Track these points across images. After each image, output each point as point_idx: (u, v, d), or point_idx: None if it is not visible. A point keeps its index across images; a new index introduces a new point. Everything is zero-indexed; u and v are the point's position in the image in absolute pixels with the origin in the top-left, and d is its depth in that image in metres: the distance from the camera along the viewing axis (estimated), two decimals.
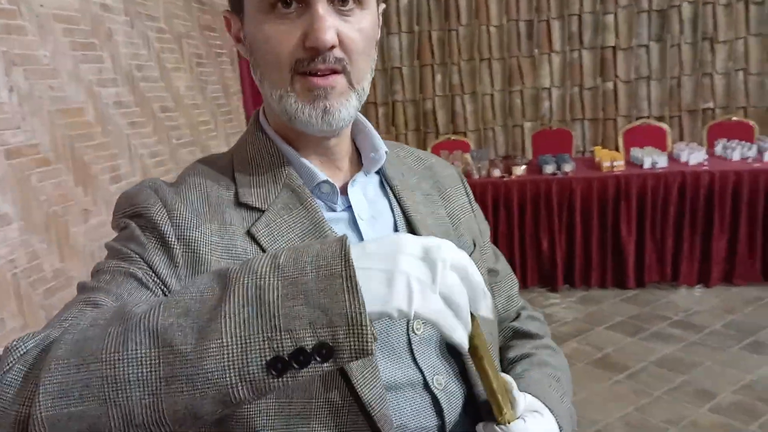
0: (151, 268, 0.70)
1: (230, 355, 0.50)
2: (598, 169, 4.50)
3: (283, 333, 0.50)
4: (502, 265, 1.01)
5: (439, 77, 6.16)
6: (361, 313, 0.50)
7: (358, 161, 0.86)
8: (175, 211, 0.74)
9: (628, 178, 4.30)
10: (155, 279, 0.70)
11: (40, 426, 0.50)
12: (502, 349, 0.96)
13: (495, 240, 4.46)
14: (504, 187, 4.47)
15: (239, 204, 0.77)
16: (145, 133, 3.76)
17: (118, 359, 0.51)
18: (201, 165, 0.83)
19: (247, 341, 0.50)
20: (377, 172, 0.87)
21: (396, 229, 0.83)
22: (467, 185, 0.98)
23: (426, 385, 0.77)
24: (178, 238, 0.72)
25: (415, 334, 0.78)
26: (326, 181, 0.79)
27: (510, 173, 4.56)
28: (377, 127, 6.22)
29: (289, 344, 0.50)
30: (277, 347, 0.50)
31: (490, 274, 0.95)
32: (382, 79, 6.21)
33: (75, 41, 3.15)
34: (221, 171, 0.81)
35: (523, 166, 4.60)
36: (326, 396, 0.69)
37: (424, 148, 5.98)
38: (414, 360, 0.77)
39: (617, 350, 3.60)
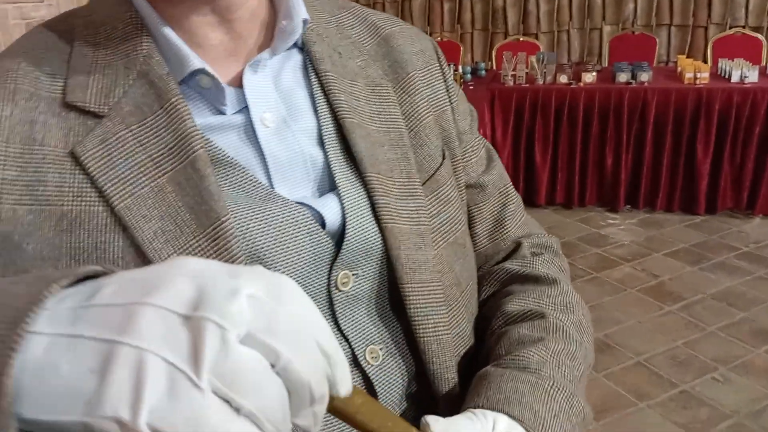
0: None
1: None
2: (679, 81, 4.05)
3: None
4: (493, 176, 0.72)
5: None
6: None
7: (273, 33, 0.59)
8: None
9: (711, 91, 3.85)
10: None
11: None
12: (496, 296, 0.69)
13: (554, 153, 4.15)
14: (570, 95, 4.09)
15: (66, 105, 0.51)
16: None
17: None
18: (32, 35, 0.57)
19: None
20: (301, 50, 0.61)
21: (320, 139, 0.58)
22: (445, 66, 0.70)
23: (355, 360, 0.57)
24: None
25: (340, 290, 0.56)
26: (203, 71, 0.53)
27: (579, 80, 4.17)
28: (441, 25, 5.90)
29: None
30: None
31: (473, 189, 0.70)
32: None
33: None
34: (55, 44, 0.55)
35: (594, 73, 4.18)
36: None
37: (490, 50, 5.60)
38: (337, 326, 0.56)
39: (674, 279, 3.33)
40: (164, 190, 0.50)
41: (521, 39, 5.40)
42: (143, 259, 0.49)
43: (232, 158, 0.53)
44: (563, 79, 4.19)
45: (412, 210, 0.59)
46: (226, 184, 0.52)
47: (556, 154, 4.17)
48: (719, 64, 4.21)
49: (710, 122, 3.88)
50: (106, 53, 0.53)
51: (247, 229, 0.51)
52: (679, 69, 4.19)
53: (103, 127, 0.50)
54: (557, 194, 4.23)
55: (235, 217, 0.51)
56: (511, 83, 4.22)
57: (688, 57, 4.73)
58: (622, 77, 4.10)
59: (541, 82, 4.21)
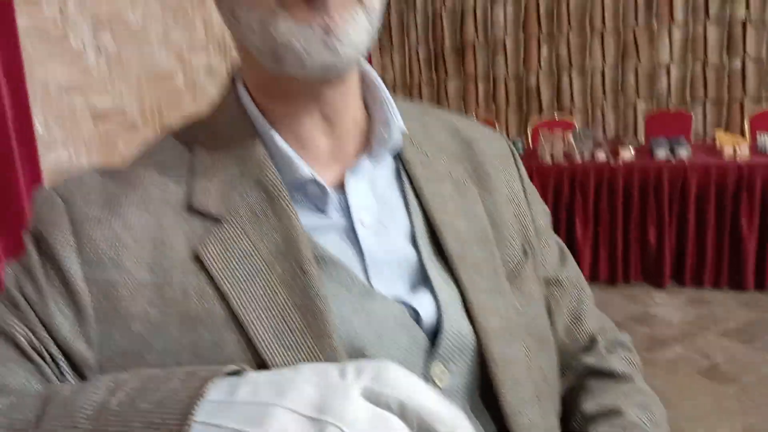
0: (46, 327, 0.52)
1: None
2: (718, 156, 4.05)
3: None
4: (569, 272, 0.74)
5: (545, 50, 5.78)
6: None
7: (370, 139, 0.63)
8: (86, 239, 0.53)
9: (752, 167, 3.83)
10: (48, 344, 0.52)
11: None
12: (573, 392, 0.71)
13: (595, 230, 4.13)
14: (609, 172, 4.11)
15: (189, 209, 0.56)
16: None
17: None
18: (159, 143, 0.62)
19: None
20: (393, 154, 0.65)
21: (413, 239, 0.61)
22: (520, 163, 0.73)
23: None
24: (88, 281, 0.52)
25: (437, 384, 0.56)
26: (313, 181, 0.57)
27: (617, 157, 4.19)
28: (476, 107, 6.02)
29: None
30: None
31: (550, 284, 0.71)
32: (483, 51, 5.92)
33: (166, 4, 3.13)
34: (179, 152, 0.60)
35: (632, 150, 4.21)
36: None
37: (525, 128, 5.68)
38: None
39: (728, 359, 3.23)
40: (275, 290, 0.53)
41: (556, 116, 5.49)
42: (255, 354, 0.51)
43: (334, 256, 0.56)
44: (601, 155, 4.23)
45: (501, 307, 0.61)
46: (328, 280, 0.55)
47: (597, 231, 4.15)
48: (758, 139, 4.20)
49: (753, 197, 3.84)
50: (224, 161, 0.58)
51: (350, 324, 0.53)
52: (718, 144, 4.19)
53: (222, 231, 0.54)
54: (600, 270, 4.18)
55: (338, 313, 0.53)
56: (550, 161, 4.26)
57: (726, 132, 4.74)
58: (661, 153, 4.11)
59: (579, 159, 4.24)
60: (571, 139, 4.36)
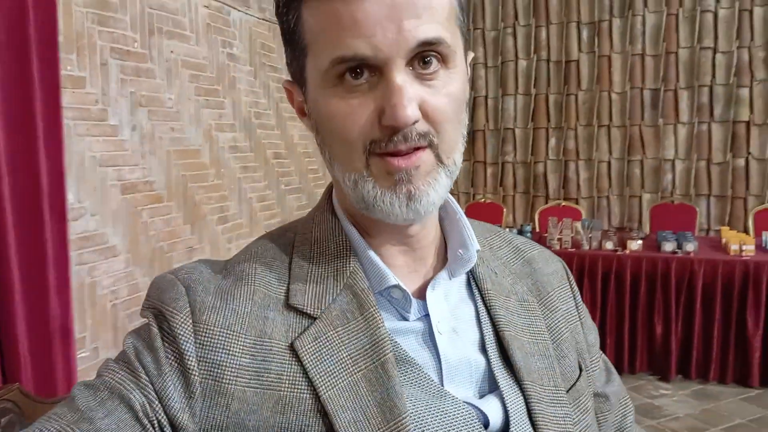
0: (159, 397, 0.59)
1: None
2: (724, 252, 4.13)
3: None
4: (615, 387, 0.80)
5: (553, 141, 5.98)
6: None
7: (445, 254, 0.71)
8: (202, 323, 0.61)
9: (758, 264, 3.90)
10: (158, 413, 0.58)
11: None
12: None
13: (602, 319, 4.17)
14: (617, 262, 4.18)
15: (288, 306, 0.63)
16: (256, 178, 3.85)
17: None
18: (264, 243, 0.70)
19: None
20: None
21: (483, 347, 0.67)
22: (574, 284, 0.80)
23: None
24: (200, 360, 0.60)
25: None
26: (397, 287, 0.64)
27: (624, 247, 4.28)
28: (484, 187, 6.15)
29: None
30: None
31: (598, 399, 0.77)
32: (494, 138, 6.11)
33: (200, 87, 3.29)
34: (279, 255, 0.68)
35: (639, 241, 4.30)
36: None
37: (532, 212, 5.80)
38: None
39: None
40: (358, 385, 0.59)
41: (562, 203, 5.61)
42: None
43: (412, 358, 0.62)
44: (609, 245, 4.31)
45: (560, 417, 0.66)
46: (405, 380, 0.61)
47: (604, 319, 4.18)
48: (764, 237, 4.29)
49: (759, 295, 3.89)
50: (320, 266, 0.66)
51: (423, 421, 0.59)
52: (723, 240, 4.28)
53: (316, 327, 0.61)
54: None
55: (413, 410, 0.59)
56: (557, 247, 4.34)
57: (730, 228, 4.84)
58: (668, 246, 4.20)
59: (587, 247, 4.32)
60: (579, 228, 4.46)
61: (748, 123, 5.36)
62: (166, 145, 3.02)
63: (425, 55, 0.57)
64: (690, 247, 4.13)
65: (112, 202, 2.68)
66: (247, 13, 3.73)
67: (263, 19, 3.93)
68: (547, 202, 5.79)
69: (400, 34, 0.56)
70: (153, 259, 2.93)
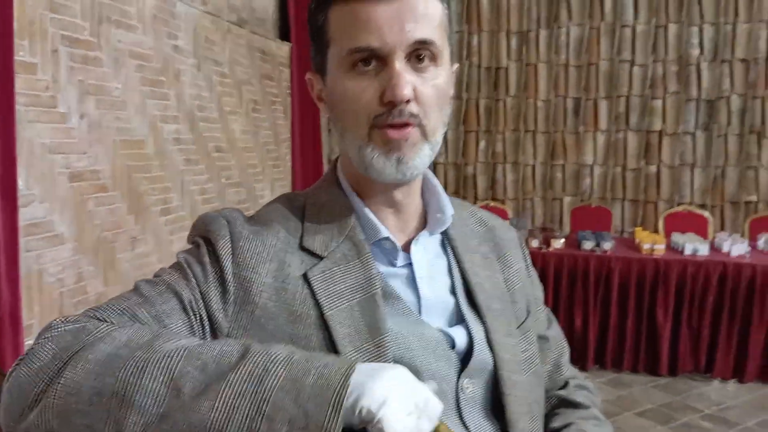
0: (203, 297, 0.75)
1: (215, 415, 0.57)
2: (637, 251, 4.48)
3: (264, 417, 0.57)
4: (554, 332, 1.01)
5: (482, 144, 6.25)
6: (335, 430, 0.56)
7: (425, 219, 0.89)
8: (238, 249, 0.78)
9: (668, 263, 4.27)
10: (200, 308, 0.74)
11: (50, 409, 0.61)
12: (547, 418, 0.95)
13: None
14: (541, 259, 4.46)
15: (302, 248, 0.81)
16: (197, 171, 3.86)
17: (132, 383, 0.60)
18: (281, 203, 0.87)
19: (233, 411, 0.57)
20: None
21: (453, 291, 0.85)
22: (526, 250, 1.00)
23: None
24: (235, 276, 0.76)
25: (464, 392, 0.79)
26: (387, 238, 0.82)
27: (548, 245, 4.56)
28: None
29: (265, 429, 0.57)
30: (255, 427, 0.57)
31: (540, 340, 0.96)
32: None
33: (145, 77, 3.30)
34: (295, 212, 0.85)
35: (562, 240, 4.59)
36: None
37: None
38: (461, 419, 0.78)
39: None
40: (354, 309, 0.77)
41: (491, 204, 5.88)
42: (333, 350, 0.74)
43: (398, 294, 0.81)
44: (534, 243, 4.58)
45: (511, 345, 0.86)
46: (392, 310, 0.79)
47: None
48: (672, 237, 4.67)
49: (668, 290, 4.25)
50: (327, 221, 0.83)
51: (405, 340, 0.77)
52: (637, 240, 4.62)
53: (323, 264, 0.79)
54: None
55: (397, 332, 0.77)
56: None
57: (642, 229, 5.22)
58: (587, 245, 4.50)
59: None
60: None
61: (660, 132, 5.80)
62: (112, 134, 3.01)
63: (419, 53, 0.75)
64: (607, 245, 4.46)
65: (59, 190, 2.66)
66: (191, 6, 3.75)
67: (207, 12, 3.95)
68: (476, 203, 6.03)
69: (402, 33, 0.73)
70: (97, 248, 2.93)
